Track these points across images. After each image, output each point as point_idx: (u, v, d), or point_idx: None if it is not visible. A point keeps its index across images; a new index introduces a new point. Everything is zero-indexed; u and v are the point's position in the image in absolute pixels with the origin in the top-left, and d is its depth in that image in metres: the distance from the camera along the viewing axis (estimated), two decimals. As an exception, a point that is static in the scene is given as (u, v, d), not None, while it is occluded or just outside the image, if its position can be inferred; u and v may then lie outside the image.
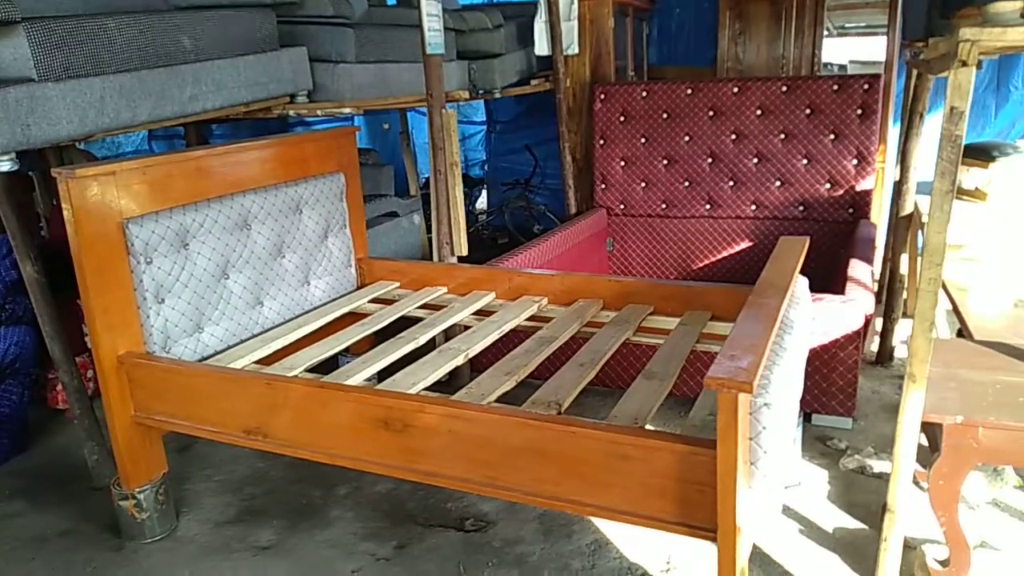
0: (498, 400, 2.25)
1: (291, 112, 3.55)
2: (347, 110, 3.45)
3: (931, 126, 5.29)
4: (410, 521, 2.59)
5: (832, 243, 4.30)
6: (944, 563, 2.03)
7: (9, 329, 3.02)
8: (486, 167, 7.02)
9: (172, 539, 2.55)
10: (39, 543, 2.55)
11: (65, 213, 2.23)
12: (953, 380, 2.02)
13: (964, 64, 1.59)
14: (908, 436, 1.79)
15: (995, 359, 2.14)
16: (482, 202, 6.91)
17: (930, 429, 2.03)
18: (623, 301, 2.90)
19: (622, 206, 4.79)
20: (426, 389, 2.33)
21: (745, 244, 4.59)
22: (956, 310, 2.59)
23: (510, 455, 1.90)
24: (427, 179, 7.13)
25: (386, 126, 6.59)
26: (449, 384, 2.82)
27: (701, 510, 1.70)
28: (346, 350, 2.90)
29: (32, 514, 2.71)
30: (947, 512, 1.92)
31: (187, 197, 2.55)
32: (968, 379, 2.03)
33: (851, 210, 4.31)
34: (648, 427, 2.03)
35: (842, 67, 9.85)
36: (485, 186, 6.90)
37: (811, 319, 2.56)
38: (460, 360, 2.54)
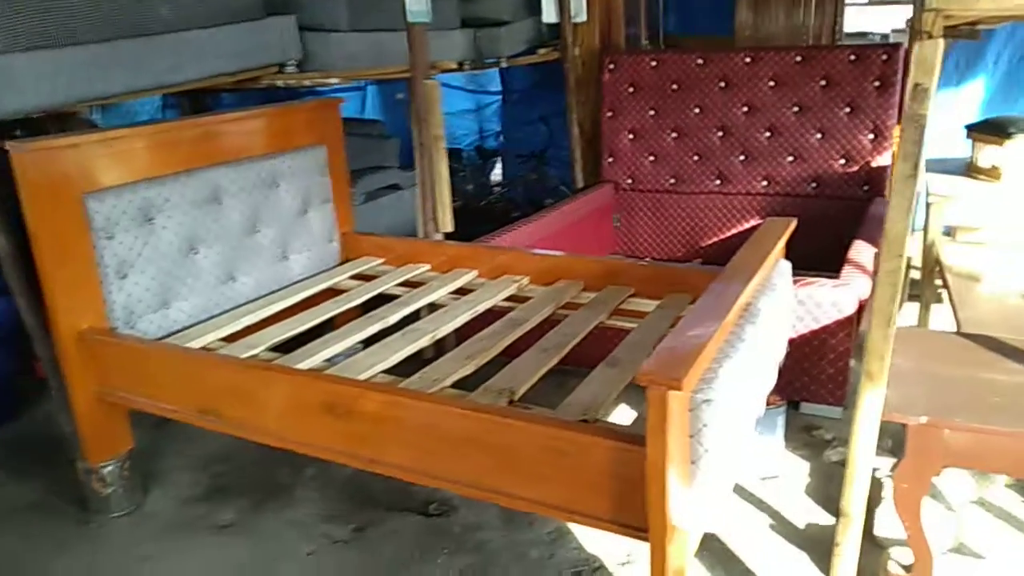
0: (456, 384, 2.19)
1: (279, 82, 3.49)
2: (334, 80, 3.38)
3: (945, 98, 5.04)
4: (374, 504, 2.55)
5: (845, 221, 4.10)
6: (908, 568, 1.92)
7: (-8, 300, 3.04)
8: (501, 138, 6.89)
9: (138, 514, 2.56)
10: (7, 515, 2.57)
11: (20, 188, 2.20)
12: (927, 376, 1.90)
13: (930, 36, 1.45)
14: (864, 439, 1.68)
15: (977, 354, 2.00)
16: (497, 174, 6.80)
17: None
18: (604, 282, 2.81)
19: (630, 180, 4.65)
20: (400, 368, 2.27)
21: (755, 221, 4.42)
22: (950, 299, 2.43)
23: (450, 445, 1.84)
24: (441, 150, 7.02)
25: (400, 96, 6.49)
26: (432, 362, 2.76)
27: (635, 508, 1.62)
28: (332, 326, 2.85)
29: (6, 485, 2.74)
30: (910, 517, 1.81)
31: (152, 171, 2.51)
32: (942, 375, 1.90)
33: (866, 187, 4.12)
34: (608, 418, 1.96)
35: (884, 35, 9.46)
36: (500, 158, 6.78)
37: (790, 306, 2.43)
38: (425, 342, 2.48)
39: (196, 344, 2.48)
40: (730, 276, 2.00)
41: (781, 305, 2.26)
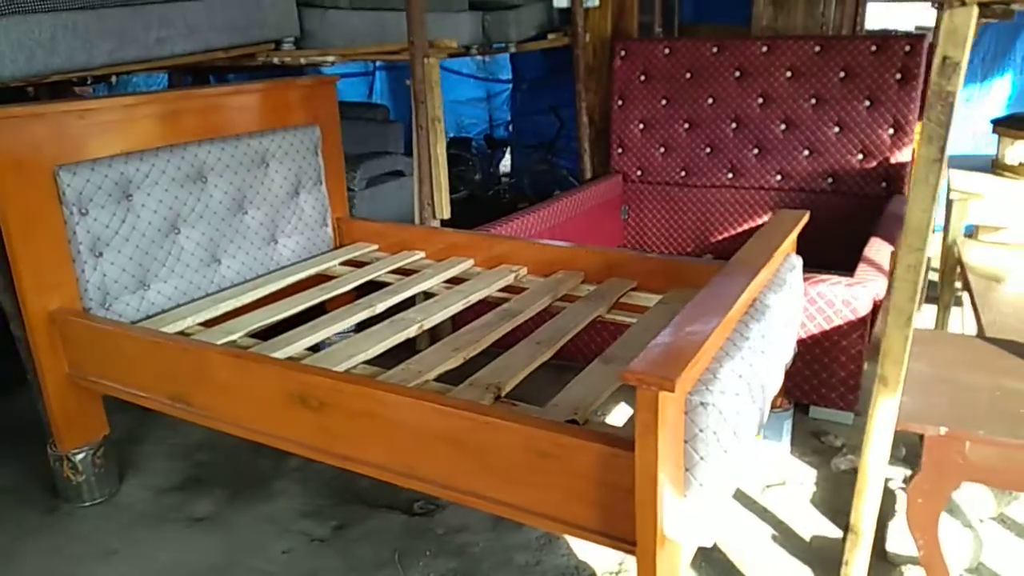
0: (441, 378, 2.07)
1: (275, 60, 3.37)
2: (331, 59, 3.25)
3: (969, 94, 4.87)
4: (357, 500, 2.43)
5: (862, 220, 3.94)
6: (920, 590, 1.78)
7: (-28, 278, 2.93)
8: (511, 128, 6.74)
9: (110, 504, 2.45)
10: (-26, 500, 2.48)
11: (-14, 158, 2.09)
12: (946, 383, 1.75)
13: (962, 2, 1.30)
14: (877, 449, 1.54)
15: (1002, 360, 1.84)
16: (506, 164, 6.66)
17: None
18: (605, 274, 2.67)
19: (639, 172, 4.50)
20: (385, 359, 2.14)
21: (768, 217, 4.25)
22: (972, 301, 2.28)
23: (427, 443, 1.71)
24: (451, 139, 6.88)
25: (409, 82, 6.35)
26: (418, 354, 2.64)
27: (622, 519, 1.48)
28: (325, 312, 2.72)
29: (-22, 469, 2.64)
30: (926, 535, 1.67)
31: (131, 145, 2.39)
32: (965, 383, 1.75)
33: (884, 184, 3.96)
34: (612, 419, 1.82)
35: (908, 33, 9.25)
36: (509, 148, 6.63)
37: (800, 303, 2.28)
38: (413, 331, 2.35)
39: (173, 328, 2.36)
40: (735, 269, 1.86)
41: (790, 302, 2.12)
